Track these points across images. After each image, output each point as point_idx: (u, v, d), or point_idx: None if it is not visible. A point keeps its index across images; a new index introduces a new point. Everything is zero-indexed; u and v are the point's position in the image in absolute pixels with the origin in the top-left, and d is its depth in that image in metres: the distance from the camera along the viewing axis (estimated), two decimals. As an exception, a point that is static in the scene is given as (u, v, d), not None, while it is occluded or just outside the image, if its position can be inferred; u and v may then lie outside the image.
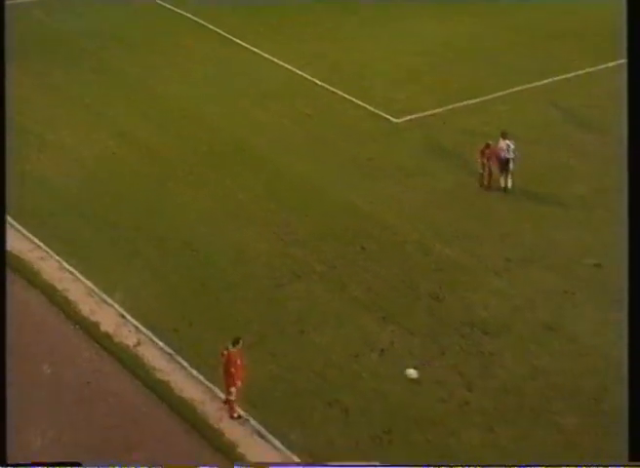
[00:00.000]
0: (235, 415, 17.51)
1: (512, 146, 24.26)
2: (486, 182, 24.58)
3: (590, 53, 31.13)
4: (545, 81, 29.45)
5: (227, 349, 17.37)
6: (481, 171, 24.73)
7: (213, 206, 24.06)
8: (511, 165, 24.33)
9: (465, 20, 34.38)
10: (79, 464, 14.34)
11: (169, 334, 19.53)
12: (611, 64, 30.70)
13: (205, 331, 19.63)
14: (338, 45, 32.90)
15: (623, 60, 31.83)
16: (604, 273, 21.32)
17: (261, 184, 24.95)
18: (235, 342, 17.35)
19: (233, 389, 17.33)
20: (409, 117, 28.17)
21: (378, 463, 15.05)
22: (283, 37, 33.52)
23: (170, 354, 19.11)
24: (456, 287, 21.02)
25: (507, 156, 24.25)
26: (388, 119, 28.20)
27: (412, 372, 18.64)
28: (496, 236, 22.78)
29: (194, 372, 18.61)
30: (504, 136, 24.42)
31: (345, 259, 21.94)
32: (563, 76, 30.10)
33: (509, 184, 24.52)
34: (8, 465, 14.12)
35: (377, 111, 28.53)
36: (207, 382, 18.32)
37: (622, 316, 19.86)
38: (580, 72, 29.84)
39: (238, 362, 17.27)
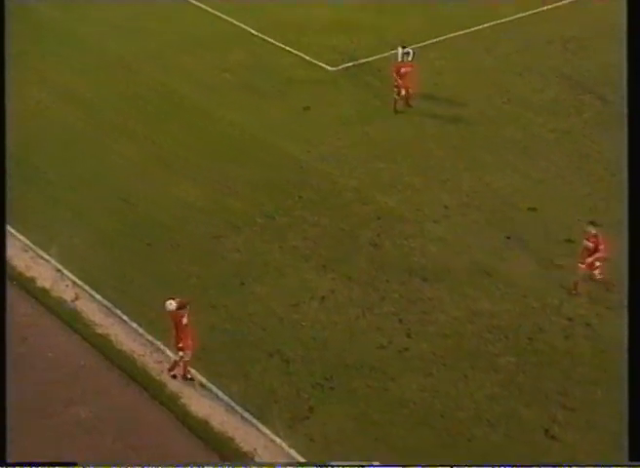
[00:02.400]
0: (189, 376, 17.39)
1: (411, 53, 25.47)
2: (401, 104, 25.33)
3: (519, 0, 31.18)
4: (479, 27, 29.44)
5: (176, 311, 16.99)
6: (397, 96, 25.23)
7: (151, 161, 23.78)
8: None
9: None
10: (74, 464, 14.43)
11: (107, 289, 19.40)
12: (541, 9, 30.84)
13: (144, 285, 19.53)
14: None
15: (556, 4, 32.19)
16: (539, 217, 21.60)
17: (199, 137, 24.71)
18: (182, 305, 17.01)
19: (184, 348, 17.10)
20: (344, 65, 28.01)
21: (377, 463, 15.17)
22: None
23: (108, 308, 18.99)
24: (395, 234, 21.13)
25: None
26: (324, 68, 28.00)
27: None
28: (434, 183, 22.89)
29: (134, 325, 18.54)
30: (404, 45, 25.60)
31: (284, 210, 21.91)
32: (495, 22, 30.12)
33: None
34: (8, 465, 14.08)
35: (312, 60, 28.29)
36: (147, 335, 18.28)
37: (557, 257, 20.31)
38: (512, 18, 29.87)
39: (184, 321, 17.01)
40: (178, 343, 17.14)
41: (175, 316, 17.07)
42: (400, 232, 21.20)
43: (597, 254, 18.76)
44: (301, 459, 15.80)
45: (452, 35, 29.31)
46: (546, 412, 16.58)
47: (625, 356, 17.52)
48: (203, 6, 31.48)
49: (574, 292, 19.21)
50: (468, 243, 20.82)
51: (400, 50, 25.81)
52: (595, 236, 18.85)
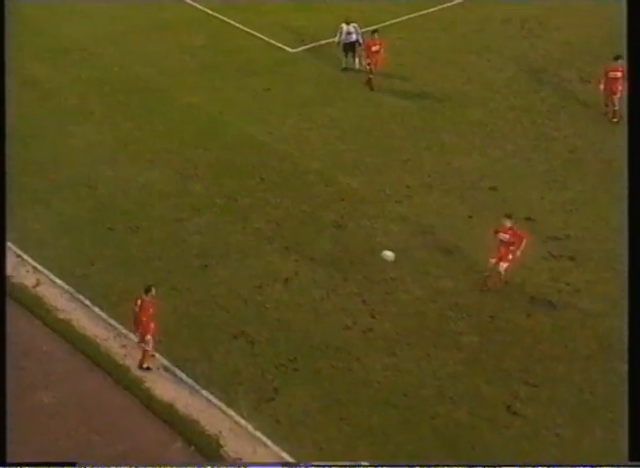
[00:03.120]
0: (145, 366, 17.23)
1: (358, 29, 26.09)
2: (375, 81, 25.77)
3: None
4: (436, 8, 29.49)
5: (141, 298, 16.91)
6: (371, 75, 25.57)
7: (111, 145, 23.60)
8: (357, 46, 26.18)
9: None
10: (73, 464, 14.37)
11: (68, 274, 19.27)
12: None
13: (106, 270, 19.43)
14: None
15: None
16: (500, 196, 21.76)
17: (159, 120, 24.54)
18: (147, 290, 16.92)
19: (149, 337, 17.02)
20: (305, 46, 27.95)
21: (366, 463, 15.22)
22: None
23: (70, 293, 18.88)
24: (357, 215, 21.18)
25: (353, 39, 26.10)
26: (284, 49, 27.92)
27: (389, 255, 19.00)
28: (396, 164, 22.96)
29: (96, 310, 18.45)
30: (348, 21, 26.14)
31: (246, 192, 21.87)
32: (453, 2, 30.22)
33: (357, 65, 26.23)
34: (8, 465, 13.98)
35: (272, 41, 28.20)
36: (110, 319, 18.20)
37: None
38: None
39: (151, 311, 16.94)
40: (146, 333, 16.98)
41: (147, 304, 16.88)
42: (363, 213, 21.26)
43: (513, 248, 18.75)
44: (267, 441, 15.86)
45: (411, 16, 29.34)
46: (508, 389, 16.77)
47: (618, 348, 17.81)
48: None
49: (484, 288, 18.78)
50: (430, 222, 20.93)
51: (344, 26, 26.14)
52: (512, 229, 18.79)
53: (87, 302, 18.64)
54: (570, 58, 27.31)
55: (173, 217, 21.00)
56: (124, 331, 17.93)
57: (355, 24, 26.24)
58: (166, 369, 17.24)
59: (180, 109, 25.01)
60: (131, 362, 17.35)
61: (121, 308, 18.23)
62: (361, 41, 26.18)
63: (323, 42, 27.99)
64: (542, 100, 25.49)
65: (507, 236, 18.70)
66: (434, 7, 29.59)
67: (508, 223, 18.77)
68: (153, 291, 16.99)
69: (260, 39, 28.38)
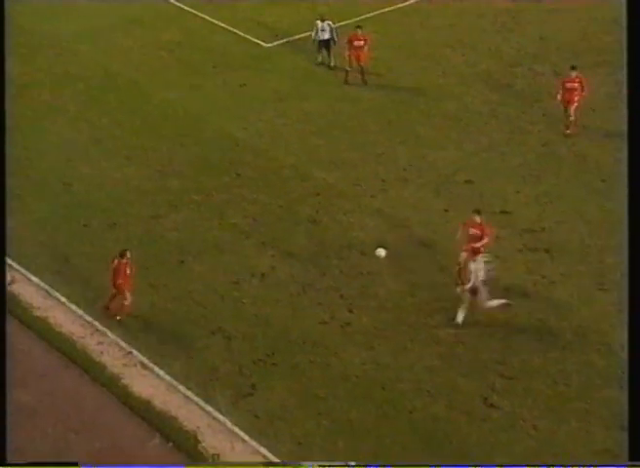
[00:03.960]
0: (118, 318, 17.92)
1: (333, 26, 26.21)
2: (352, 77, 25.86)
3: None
4: (409, 2, 29.54)
5: (117, 259, 17.83)
6: (348, 68, 25.64)
7: (86, 141, 23.52)
8: (332, 44, 26.30)
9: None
10: (75, 464, 14.35)
11: (44, 271, 19.19)
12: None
13: (82, 267, 19.37)
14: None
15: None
16: (475, 189, 21.87)
17: (135, 116, 24.49)
18: (122, 254, 17.83)
19: (128, 294, 17.83)
20: (279, 41, 27.93)
21: (353, 463, 15.23)
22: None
23: (46, 290, 18.80)
24: (333, 210, 21.22)
25: (327, 37, 26.14)
26: (259, 44, 27.90)
27: (381, 252, 19.25)
28: (371, 158, 23.01)
29: (73, 307, 18.38)
30: (322, 19, 26.25)
31: (222, 188, 21.86)
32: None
33: (332, 62, 26.40)
34: (8, 465, 13.89)
35: (246, 36, 28.17)
36: (86, 316, 18.14)
37: (495, 230, 20.62)
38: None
39: (127, 271, 17.74)
40: (124, 290, 17.78)
41: (123, 265, 17.71)
42: (339, 207, 21.30)
43: (483, 241, 18.84)
44: (245, 437, 15.87)
45: (385, 10, 29.38)
46: (485, 382, 16.86)
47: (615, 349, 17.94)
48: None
49: (458, 282, 18.30)
50: (406, 216, 21.00)
51: (319, 23, 26.22)
52: (480, 224, 18.87)
53: (63, 299, 18.58)
54: (544, 53, 27.45)
55: (149, 214, 20.95)
56: (101, 327, 17.89)
57: (329, 22, 26.27)
58: (143, 365, 17.22)
59: (156, 105, 24.94)
60: (107, 359, 17.31)
61: (98, 305, 18.18)
62: (335, 39, 26.22)
63: (297, 37, 27.99)
64: (517, 94, 25.61)
65: (476, 231, 18.80)
66: (409, 0, 29.61)
67: (477, 219, 18.87)
68: (128, 254, 17.81)
69: (235, 34, 28.34)
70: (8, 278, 18.99)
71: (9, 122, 23.80)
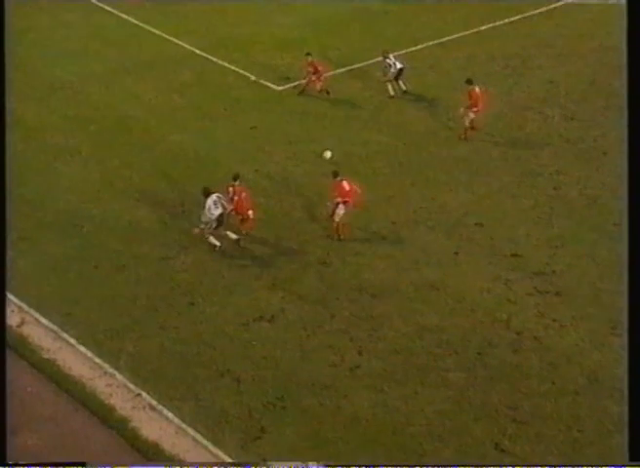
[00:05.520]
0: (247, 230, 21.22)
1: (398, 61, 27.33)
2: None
3: (461, 19, 31.62)
4: (420, 46, 29.76)
5: (233, 185, 21.02)
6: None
7: (97, 182, 23.63)
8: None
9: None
10: (83, 464, 14.31)
11: (53, 313, 19.16)
12: (483, 28, 31.32)
13: (92, 309, 19.33)
14: (218, 15, 32.57)
15: (495, 23, 32.79)
16: (486, 232, 21.82)
17: (146, 158, 24.61)
18: (235, 177, 21.19)
19: (251, 212, 21.16)
20: (290, 84, 28.13)
21: (314, 464, 15.13)
22: (161, 6, 33.02)
23: (55, 332, 18.75)
24: (343, 252, 21.19)
25: (401, 66, 27.23)
26: (270, 87, 28.10)
27: (327, 154, 22.30)
28: (381, 200, 23.03)
29: (82, 349, 18.32)
30: (386, 53, 27.33)
31: (233, 229, 21.84)
32: (438, 40, 30.53)
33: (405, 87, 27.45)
34: (8, 465, 13.73)
35: (258, 79, 28.39)
36: (95, 358, 18.06)
37: (504, 272, 20.56)
38: (455, 36, 30.23)
39: (244, 194, 21.01)
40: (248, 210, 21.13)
41: (239, 189, 21.19)
42: (349, 249, 21.28)
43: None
44: (254, 480, 15.74)
45: (396, 53, 29.58)
46: (496, 426, 16.70)
47: (578, 368, 17.80)
48: (149, 28, 31.54)
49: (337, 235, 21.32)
50: (416, 259, 20.95)
51: (391, 58, 27.21)
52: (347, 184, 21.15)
53: (72, 341, 18.52)
54: (553, 96, 27.57)
55: (159, 256, 20.96)
56: (110, 369, 17.81)
57: (392, 56, 27.46)
58: (152, 408, 17.11)
59: (167, 147, 25.07)
60: (116, 401, 17.22)
61: (106, 347, 18.13)
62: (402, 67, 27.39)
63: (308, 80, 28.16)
64: (527, 137, 25.68)
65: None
66: (420, 45, 29.81)
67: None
68: (239, 178, 21.11)
69: (246, 77, 28.55)
70: (17, 319, 19.02)
71: (21, 163, 24.12)
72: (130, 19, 32.26)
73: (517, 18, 32.00)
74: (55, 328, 18.85)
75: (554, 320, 19.18)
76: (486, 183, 23.69)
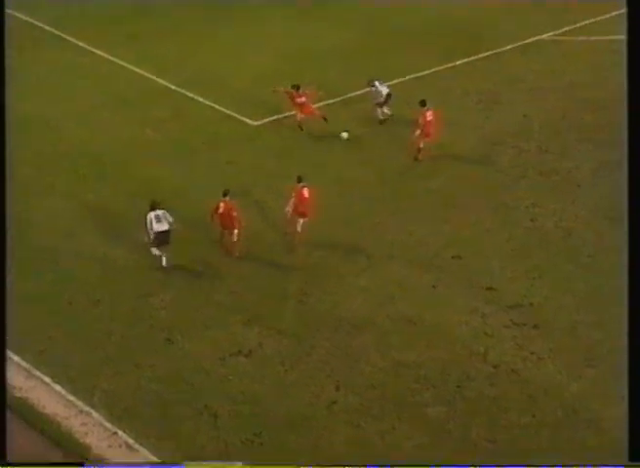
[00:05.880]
0: (237, 254, 21.71)
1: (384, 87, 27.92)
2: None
3: (436, 54, 31.87)
4: (396, 81, 29.93)
5: (223, 201, 21.56)
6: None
7: (74, 218, 23.51)
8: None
9: (322, 26, 34.78)
10: (81, 463, 14.01)
11: (26, 350, 18.92)
12: (457, 63, 31.61)
13: (66, 345, 19.15)
14: (193, 51, 32.70)
15: (469, 59, 33.14)
16: (462, 265, 21.86)
17: (122, 193, 24.51)
18: (225, 193, 21.68)
19: (236, 231, 21.57)
20: (267, 119, 28.22)
21: (240, 463, 15.03)
22: (136, 43, 33.14)
23: (28, 370, 18.53)
24: (320, 287, 21.15)
25: (387, 91, 27.84)
26: (247, 122, 28.17)
27: (344, 135, 24.23)
28: (358, 234, 23.04)
29: (56, 387, 18.10)
30: (371, 81, 27.97)
31: (209, 264, 21.80)
32: (413, 75, 30.76)
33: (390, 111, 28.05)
34: (8, 465, 13.38)
35: (234, 114, 28.46)
36: (69, 396, 17.84)
37: (481, 305, 20.60)
38: (429, 71, 30.46)
39: (232, 211, 21.52)
40: (234, 228, 21.73)
41: (229, 204, 21.63)
42: (325, 284, 21.24)
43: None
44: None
45: (368, 90, 29.78)
46: (476, 460, 16.59)
47: (557, 401, 17.80)
48: (125, 64, 31.56)
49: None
50: (393, 292, 20.94)
51: (377, 84, 27.81)
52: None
53: (46, 379, 18.30)
54: (527, 130, 27.80)
55: (136, 291, 20.84)
56: (85, 408, 17.60)
57: (379, 81, 28.01)
58: (129, 446, 16.91)
59: (143, 182, 24.97)
60: (92, 440, 17.00)
61: (81, 384, 17.93)
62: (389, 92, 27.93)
63: (284, 115, 28.26)
64: (502, 170, 25.84)
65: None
66: (396, 79, 29.97)
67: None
68: (229, 194, 21.62)
69: (223, 112, 28.63)
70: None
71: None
72: (105, 55, 32.32)
73: (491, 53, 32.34)
74: (27, 366, 18.62)
75: (532, 352, 19.19)
76: (462, 216, 23.78)
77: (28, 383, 18.27)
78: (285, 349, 19.21)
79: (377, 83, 27.90)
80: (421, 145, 25.81)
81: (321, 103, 28.11)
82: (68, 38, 33.45)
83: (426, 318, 20.10)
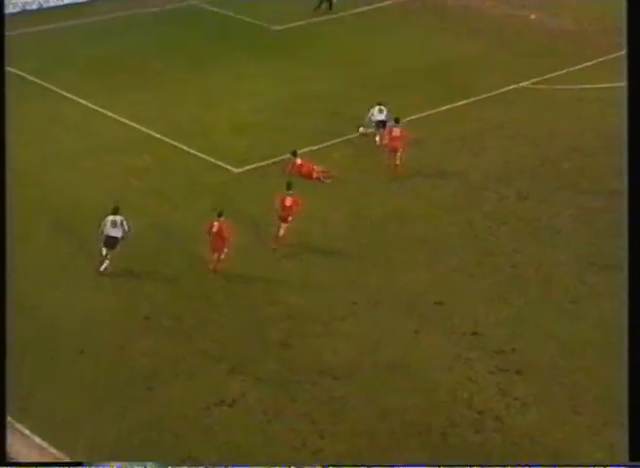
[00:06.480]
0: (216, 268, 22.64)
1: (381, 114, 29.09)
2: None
3: (417, 102, 32.15)
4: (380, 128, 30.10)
5: (217, 221, 22.39)
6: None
7: (55, 267, 23.41)
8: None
9: (305, 73, 35.12)
10: (80, 463, 13.93)
11: (8, 401, 18.68)
12: (439, 110, 31.92)
13: (48, 395, 18.96)
14: (176, 101, 32.90)
15: (451, 106, 33.46)
16: (445, 311, 21.90)
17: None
18: (220, 214, 22.44)
19: (226, 250, 22.47)
20: (249, 167, 28.35)
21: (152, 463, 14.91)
22: (120, 92, 33.34)
23: (9, 422, 18.27)
24: (304, 334, 21.11)
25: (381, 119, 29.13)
26: (228, 169, 28.28)
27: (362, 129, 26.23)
28: (342, 281, 23.07)
29: (37, 440, 17.88)
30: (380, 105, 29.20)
31: (192, 312, 21.73)
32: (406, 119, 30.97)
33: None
34: (8, 465, 13.14)
35: (217, 162, 28.57)
36: (51, 449, 17.61)
37: (465, 350, 20.61)
38: (410, 118, 30.66)
39: (224, 231, 22.33)
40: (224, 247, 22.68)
41: (224, 224, 22.64)
42: (310, 331, 21.21)
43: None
44: None
45: (353, 135, 30.08)
46: (461, 508, 16.53)
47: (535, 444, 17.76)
48: (109, 113, 31.70)
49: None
50: (377, 339, 20.93)
51: (376, 107, 29.10)
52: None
53: (26, 432, 18.07)
54: (508, 176, 28.06)
55: (117, 339, 20.71)
56: (66, 458, 17.39)
57: (382, 107, 29.20)
58: (110, 498, 16.69)
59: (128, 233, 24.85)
60: (74, 492, 16.78)
61: (63, 436, 17.73)
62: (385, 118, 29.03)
63: (267, 162, 28.40)
64: (483, 216, 26.01)
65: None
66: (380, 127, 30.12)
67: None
68: (224, 214, 22.42)
69: (205, 160, 28.75)
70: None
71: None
72: (89, 104, 32.47)
73: (471, 100, 32.72)
74: (7, 418, 18.37)
75: (516, 398, 19.18)
76: (445, 262, 23.88)
77: (8, 437, 18.02)
78: (268, 398, 19.10)
79: (376, 109, 29.09)
80: (398, 162, 27.34)
81: (306, 149, 28.23)
82: (51, 87, 33.61)
83: (410, 364, 20.08)
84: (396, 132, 27.66)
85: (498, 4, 41.84)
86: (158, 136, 30.16)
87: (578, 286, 22.81)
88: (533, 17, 39.54)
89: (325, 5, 40.41)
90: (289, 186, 24.02)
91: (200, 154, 29.00)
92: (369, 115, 29.19)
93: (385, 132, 28.13)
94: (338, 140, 29.51)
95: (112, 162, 28.50)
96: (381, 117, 29.02)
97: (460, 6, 42.33)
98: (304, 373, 19.78)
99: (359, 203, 26.56)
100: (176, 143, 29.65)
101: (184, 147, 29.41)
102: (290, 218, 23.88)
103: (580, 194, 26.66)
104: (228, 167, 28.37)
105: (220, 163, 28.52)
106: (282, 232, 23.95)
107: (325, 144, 29.24)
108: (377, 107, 29.24)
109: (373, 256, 24.12)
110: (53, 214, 25.84)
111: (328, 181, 27.00)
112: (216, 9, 42.32)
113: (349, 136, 29.45)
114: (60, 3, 41.77)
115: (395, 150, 27.51)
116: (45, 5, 40.76)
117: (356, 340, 20.89)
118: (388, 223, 25.61)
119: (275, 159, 28.28)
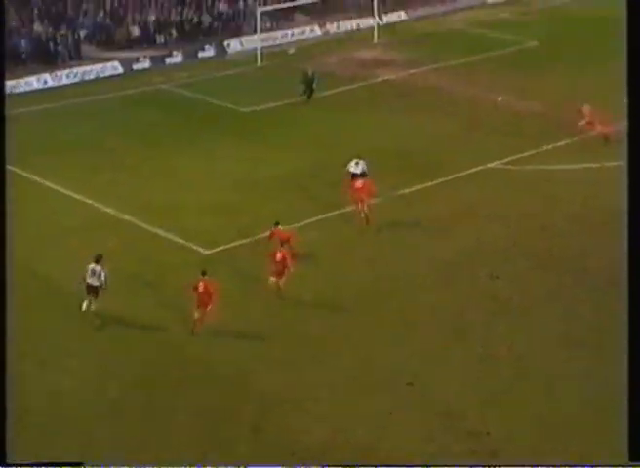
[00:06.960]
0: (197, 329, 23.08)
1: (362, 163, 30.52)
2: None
3: (387, 183, 32.11)
4: (349, 208, 30.09)
5: (202, 280, 23.00)
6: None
7: (21, 353, 22.87)
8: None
9: (275, 155, 35.33)
10: (81, 464, 13.84)
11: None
12: (407, 191, 32.09)
13: None
14: (144, 181, 32.91)
15: (420, 186, 33.61)
16: (418, 391, 21.65)
17: (73, 328, 24.01)
18: (204, 273, 23.18)
19: (209, 307, 22.96)
20: (219, 248, 28.19)
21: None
22: (86, 174, 33.32)
23: None
24: (276, 416, 20.78)
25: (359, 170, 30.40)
26: (198, 251, 28.10)
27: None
28: (315, 362, 22.84)
29: None
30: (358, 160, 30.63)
31: (164, 392, 21.45)
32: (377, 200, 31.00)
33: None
34: (8, 465, 13.18)
35: (186, 243, 28.39)
36: None
37: (440, 433, 20.33)
38: (379, 200, 30.71)
39: (210, 290, 22.91)
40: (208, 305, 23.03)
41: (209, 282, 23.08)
42: (282, 413, 20.89)
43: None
44: None
45: (326, 215, 30.08)
46: None
47: None
48: (74, 194, 31.59)
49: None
50: (351, 421, 20.61)
51: (354, 160, 30.51)
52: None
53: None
54: (479, 256, 28.10)
55: (82, 426, 20.24)
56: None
57: (361, 160, 30.61)
58: None
59: (89, 320, 24.39)
60: None
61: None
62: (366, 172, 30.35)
63: (237, 243, 28.30)
64: (455, 295, 25.95)
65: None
66: (349, 207, 30.21)
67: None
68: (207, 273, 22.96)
69: (174, 241, 28.55)
70: None
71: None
72: (53, 186, 32.35)
73: (440, 181, 32.94)
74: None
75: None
76: (417, 341, 23.71)
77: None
78: (239, 483, 18.64)
79: (353, 162, 30.51)
80: (362, 215, 28.96)
81: (280, 227, 28.17)
82: (14, 169, 33.42)
83: (383, 446, 19.76)
84: (358, 184, 29.12)
85: (467, 87, 42.57)
86: (127, 217, 30.00)
87: (549, 365, 22.69)
88: (500, 99, 40.16)
89: (307, 93, 40.80)
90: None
91: (169, 235, 28.85)
92: (347, 168, 30.56)
93: (350, 185, 29.46)
94: (309, 221, 29.50)
95: (79, 244, 27.85)
96: (357, 170, 30.37)
97: (430, 87, 43.00)
98: (276, 456, 19.29)
99: (328, 285, 26.40)
100: (144, 225, 29.47)
101: (153, 228, 29.24)
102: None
103: (549, 273, 26.77)
104: (197, 248, 28.20)
105: (189, 244, 28.35)
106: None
107: (300, 224, 29.09)
108: (354, 160, 30.60)
109: (345, 336, 23.92)
110: (18, 298, 25.34)
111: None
112: (187, 92, 42.79)
113: (321, 217, 29.43)
114: (29, 88, 42.42)
115: (358, 201, 28.89)
116: (15, 90, 40.90)
117: (329, 421, 20.60)
118: (362, 302, 25.47)
119: (245, 240, 28.18)
